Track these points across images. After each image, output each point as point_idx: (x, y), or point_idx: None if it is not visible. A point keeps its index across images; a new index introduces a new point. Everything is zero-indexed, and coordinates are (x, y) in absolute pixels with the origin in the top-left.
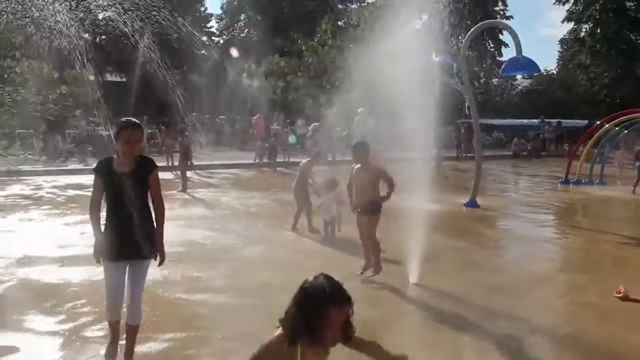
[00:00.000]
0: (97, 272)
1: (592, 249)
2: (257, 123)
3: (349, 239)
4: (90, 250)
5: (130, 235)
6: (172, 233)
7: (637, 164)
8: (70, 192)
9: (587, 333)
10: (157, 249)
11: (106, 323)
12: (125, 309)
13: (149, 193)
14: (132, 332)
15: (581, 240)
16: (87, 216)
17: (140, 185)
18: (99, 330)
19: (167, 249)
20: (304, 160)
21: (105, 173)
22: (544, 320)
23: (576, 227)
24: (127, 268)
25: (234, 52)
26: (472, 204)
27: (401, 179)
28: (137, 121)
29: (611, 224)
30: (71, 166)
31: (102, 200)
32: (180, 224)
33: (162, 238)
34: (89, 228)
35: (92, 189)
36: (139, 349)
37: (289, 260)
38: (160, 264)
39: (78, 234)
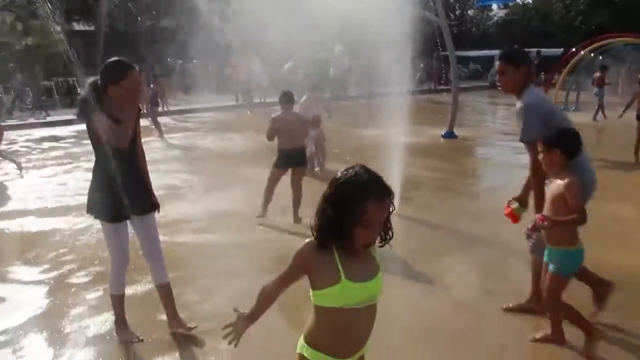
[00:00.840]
0: (78, 222)
1: None
2: (236, 66)
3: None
4: (73, 201)
5: (133, 189)
6: (152, 177)
7: (595, 90)
8: (45, 145)
9: None
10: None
11: (92, 269)
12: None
13: None
14: (168, 291)
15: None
16: (66, 167)
17: (135, 133)
18: (84, 277)
19: None
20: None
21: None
22: (523, 244)
23: None
24: (130, 225)
25: None
26: (450, 134)
27: (378, 113)
28: None
29: (587, 149)
30: (48, 119)
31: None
32: (158, 168)
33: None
34: (66, 179)
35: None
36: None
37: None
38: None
39: (56, 185)
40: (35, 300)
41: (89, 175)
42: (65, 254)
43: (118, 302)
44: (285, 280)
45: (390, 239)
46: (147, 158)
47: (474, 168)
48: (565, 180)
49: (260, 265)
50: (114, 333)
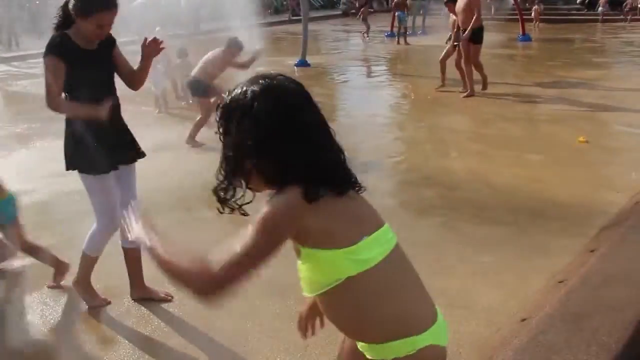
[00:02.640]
0: None
1: (414, 91)
2: None
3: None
4: None
5: (117, 132)
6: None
7: (397, 13)
8: None
9: (405, 161)
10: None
11: None
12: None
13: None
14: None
15: (404, 84)
16: None
17: (111, 66)
18: None
19: None
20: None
21: (71, 53)
22: (370, 156)
23: (400, 74)
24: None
25: None
26: (302, 63)
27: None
28: None
29: (430, 69)
30: None
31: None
32: None
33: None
34: None
35: (45, 76)
36: None
37: None
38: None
39: None
40: None
41: None
42: None
43: (90, 265)
44: None
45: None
46: None
47: (326, 94)
48: None
49: None
50: (81, 299)
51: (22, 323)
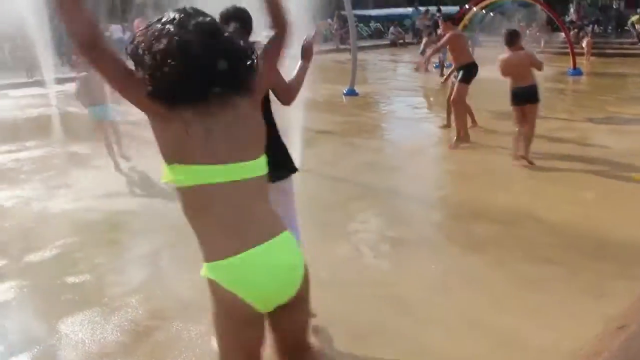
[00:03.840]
0: None
1: None
2: (137, 28)
3: None
4: None
5: None
6: None
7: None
8: None
9: (454, 195)
10: None
11: None
12: None
13: None
14: None
15: (451, 118)
16: None
17: None
18: None
19: None
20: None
21: None
22: (418, 188)
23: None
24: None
25: None
26: (351, 92)
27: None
28: None
29: (477, 101)
30: None
31: None
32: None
33: None
34: None
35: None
36: (31, 258)
37: None
38: None
39: None
40: None
41: None
42: None
43: None
44: None
45: None
46: None
47: (373, 124)
48: None
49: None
50: None
51: (72, 341)
